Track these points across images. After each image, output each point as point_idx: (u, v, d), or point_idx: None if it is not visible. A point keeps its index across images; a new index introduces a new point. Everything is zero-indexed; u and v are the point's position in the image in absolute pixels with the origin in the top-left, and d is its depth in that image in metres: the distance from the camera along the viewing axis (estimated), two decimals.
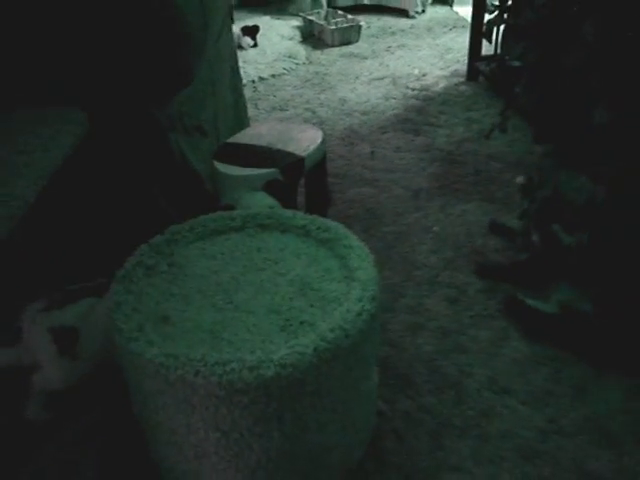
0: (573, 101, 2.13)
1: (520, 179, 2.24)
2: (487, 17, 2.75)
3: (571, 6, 2.13)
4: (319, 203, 2.34)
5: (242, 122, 2.68)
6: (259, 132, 2.30)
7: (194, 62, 1.92)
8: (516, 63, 2.81)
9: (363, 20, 5.04)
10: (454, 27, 5.10)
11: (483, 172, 2.92)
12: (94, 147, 1.50)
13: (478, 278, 2.22)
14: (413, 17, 5.42)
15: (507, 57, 3.16)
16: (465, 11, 5.10)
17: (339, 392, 1.36)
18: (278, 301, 1.42)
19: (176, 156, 1.93)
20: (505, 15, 2.66)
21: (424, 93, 3.83)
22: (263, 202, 1.91)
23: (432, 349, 1.94)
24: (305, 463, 1.43)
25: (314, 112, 3.65)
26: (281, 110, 3.70)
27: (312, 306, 1.40)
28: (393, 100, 3.75)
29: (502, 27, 2.80)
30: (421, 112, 3.59)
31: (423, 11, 5.54)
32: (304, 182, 2.30)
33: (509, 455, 1.62)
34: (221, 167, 2.06)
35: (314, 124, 3.38)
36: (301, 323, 1.35)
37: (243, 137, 2.27)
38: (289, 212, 1.70)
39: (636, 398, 1.76)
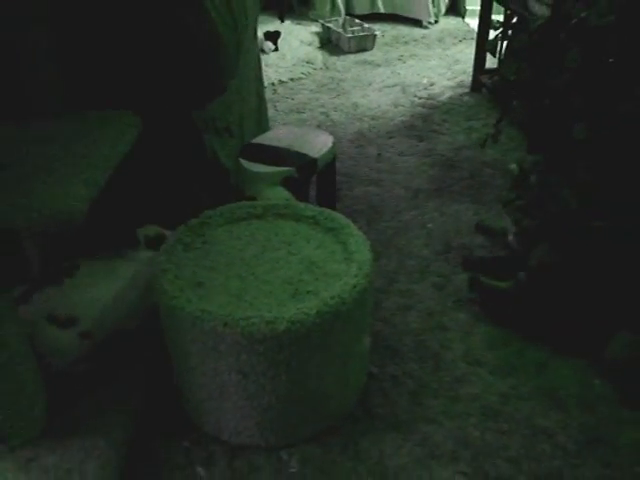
0: (558, 117, 2.43)
1: (513, 166, 2.54)
2: (493, 33, 3.04)
3: (558, 34, 2.42)
4: (328, 198, 2.69)
5: (263, 124, 3.02)
6: (279, 135, 2.65)
7: (227, 76, 2.27)
8: (513, 78, 3.11)
9: (378, 29, 5.36)
10: (464, 39, 5.39)
11: (477, 177, 3.24)
12: (146, 143, 1.85)
13: (463, 270, 2.54)
14: (426, 27, 5.70)
15: (506, 72, 3.47)
16: (476, 23, 5.37)
17: (337, 348, 1.71)
18: (290, 275, 1.77)
19: (208, 153, 2.28)
20: (509, 32, 2.96)
21: (430, 102, 4.15)
22: (280, 195, 2.27)
23: (418, 326, 2.28)
24: (307, 407, 1.77)
25: (328, 115, 3.98)
26: (298, 112, 4.04)
27: (317, 280, 1.74)
28: (401, 107, 4.08)
29: (505, 43, 3.08)
30: (426, 119, 3.91)
31: (436, 21, 5.82)
32: (316, 179, 2.64)
33: (475, 413, 1.95)
34: (246, 164, 2.42)
35: (327, 127, 3.73)
36: (308, 292, 1.70)
37: (265, 139, 2.62)
38: (302, 204, 2.05)
39: (583, 373, 2.08)
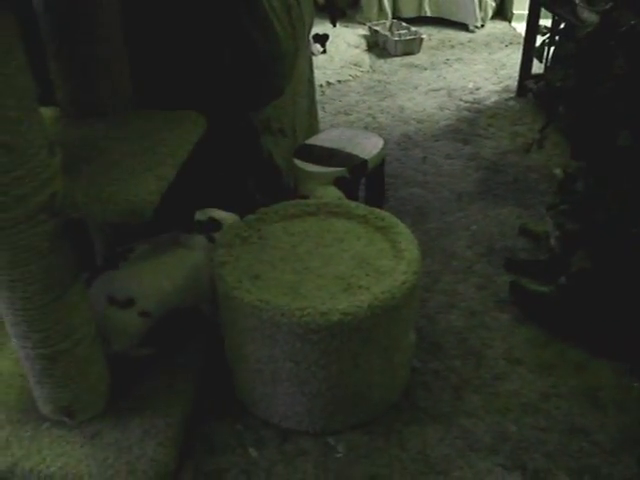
0: (603, 124, 2.47)
1: (558, 171, 2.60)
2: (540, 38, 3.08)
3: (607, 42, 2.46)
4: (376, 198, 2.78)
5: (314, 126, 3.13)
6: (331, 137, 2.75)
7: (285, 80, 2.39)
8: (560, 85, 3.15)
9: (425, 32, 5.43)
10: (510, 43, 5.41)
11: (521, 181, 3.30)
12: (207, 142, 1.97)
13: (505, 271, 2.61)
14: (472, 31, 5.74)
15: (552, 79, 3.50)
16: (522, 28, 5.38)
17: (384, 341, 1.80)
18: (342, 270, 1.86)
19: (264, 153, 2.40)
20: (556, 38, 3.00)
21: (476, 106, 4.21)
22: (332, 194, 2.37)
23: (461, 324, 2.35)
24: (354, 396, 1.87)
25: (375, 118, 4.07)
26: (345, 114, 4.14)
27: (368, 275, 1.84)
28: (447, 111, 4.15)
29: (552, 49, 3.11)
30: (471, 123, 3.97)
31: (482, 26, 5.85)
32: (365, 180, 2.74)
33: (514, 409, 2.03)
34: (300, 164, 2.53)
35: (374, 129, 3.82)
36: (359, 287, 1.79)
37: (317, 140, 2.73)
38: (353, 203, 2.15)
39: (623, 376, 2.13)
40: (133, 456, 1.82)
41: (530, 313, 2.38)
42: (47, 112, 1.94)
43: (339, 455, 1.87)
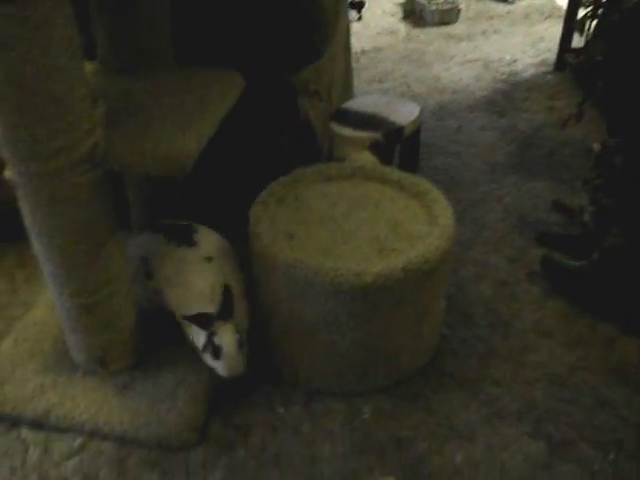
0: None
1: (595, 145, 2.56)
2: (583, 11, 3.01)
3: None
4: (410, 166, 2.76)
5: (349, 91, 3.11)
6: (367, 102, 2.74)
7: (326, 43, 2.37)
8: (600, 59, 3.08)
9: (462, 2, 5.33)
10: (550, 16, 5.29)
11: (556, 156, 3.25)
12: (246, 101, 1.97)
13: (537, 245, 2.59)
14: (512, 3, 5.61)
15: (593, 52, 3.43)
16: (564, 0, 5.27)
17: (416, 305, 1.81)
18: (376, 234, 1.87)
19: (301, 114, 2.40)
20: (599, 10, 2.92)
21: (512, 78, 4.14)
22: (367, 159, 2.36)
23: (491, 294, 2.35)
24: (382, 358, 1.89)
25: (409, 86, 4.03)
26: (380, 82, 4.10)
27: (401, 239, 1.84)
28: (483, 82, 4.09)
29: (594, 22, 3.04)
30: (507, 96, 3.91)
31: None
32: (399, 147, 2.72)
33: (542, 380, 2.03)
34: (336, 127, 2.52)
35: (409, 98, 3.78)
36: (393, 250, 1.79)
37: (354, 104, 2.72)
38: (389, 168, 2.14)
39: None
40: (163, 408, 1.86)
41: (561, 287, 2.37)
42: (89, 66, 1.95)
43: (365, 416, 1.90)
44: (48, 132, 1.50)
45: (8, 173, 1.87)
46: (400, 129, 2.54)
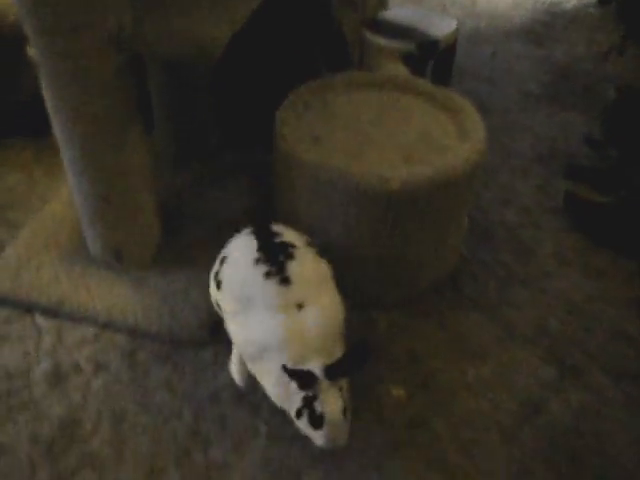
0: None
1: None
2: None
3: None
4: (442, 82, 2.67)
5: (384, 3, 2.99)
6: (403, 13, 2.63)
7: None
8: None
9: None
10: None
11: (592, 90, 3.14)
12: (283, 11, 1.89)
13: (565, 177, 2.52)
14: None
15: None
16: None
17: (438, 219, 1.76)
18: (404, 143, 1.81)
19: (335, 22, 2.30)
20: None
21: (553, 9, 3.98)
22: (399, 69, 2.28)
23: (515, 220, 2.30)
24: (401, 271, 1.85)
25: (445, 8, 3.88)
26: (414, 3, 3.95)
27: (430, 150, 1.78)
28: (522, 10, 3.93)
29: None
30: (546, 26, 3.76)
31: None
32: (433, 62, 2.62)
33: (559, 307, 2.00)
34: (369, 36, 2.42)
35: None
36: (420, 160, 1.74)
37: (389, 15, 2.61)
38: (421, 80, 2.06)
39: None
40: (177, 303, 1.86)
41: (584, 223, 2.31)
42: None
43: (380, 329, 1.88)
44: (67, 4, 1.44)
45: (31, 50, 1.81)
46: (435, 42, 2.44)
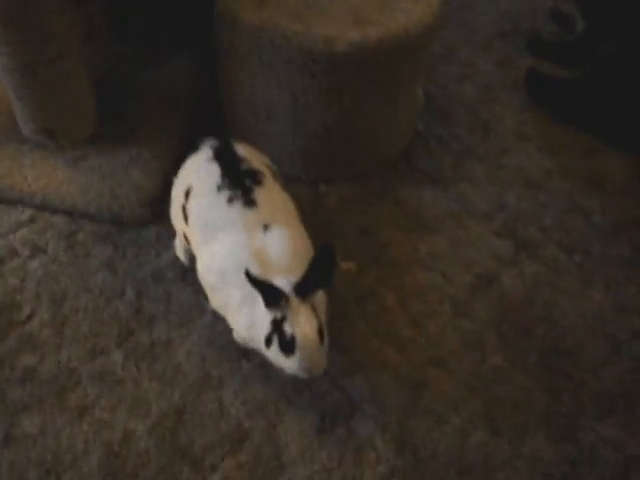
0: None
1: None
2: None
3: None
4: None
5: None
6: None
7: None
8: None
9: None
10: None
11: None
12: None
13: (528, 50, 2.41)
14: None
15: None
16: None
17: (390, 87, 1.66)
18: (355, 4, 1.67)
19: None
20: None
21: None
22: None
23: (473, 96, 2.21)
24: (352, 144, 1.77)
25: None
26: None
27: (382, 12, 1.65)
28: None
29: None
30: None
31: None
32: None
33: (516, 182, 1.95)
34: None
35: None
36: (371, 21, 1.61)
37: None
38: None
39: (633, 165, 2.05)
40: (116, 182, 1.76)
41: (546, 99, 2.22)
42: None
43: (331, 204, 1.81)
44: None
45: None
46: None
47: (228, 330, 1.41)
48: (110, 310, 1.56)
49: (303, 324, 1.19)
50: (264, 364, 1.44)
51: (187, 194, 1.40)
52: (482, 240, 1.77)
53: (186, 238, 1.44)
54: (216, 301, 1.37)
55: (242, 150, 1.42)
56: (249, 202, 1.32)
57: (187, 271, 1.60)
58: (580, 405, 1.45)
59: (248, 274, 1.16)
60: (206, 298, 1.42)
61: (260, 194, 1.34)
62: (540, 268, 1.72)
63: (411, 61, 1.64)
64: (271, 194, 1.37)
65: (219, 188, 1.35)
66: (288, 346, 1.20)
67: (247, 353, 1.47)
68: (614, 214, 1.89)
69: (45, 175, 1.78)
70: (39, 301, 1.57)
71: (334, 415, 1.40)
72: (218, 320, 1.48)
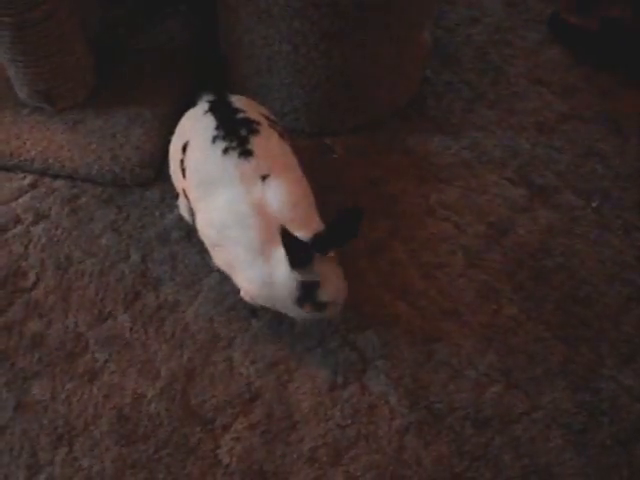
0: None
1: None
2: None
3: None
4: None
5: None
6: None
7: None
8: None
9: None
10: None
11: None
12: None
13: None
14: None
15: None
16: None
17: (395, 29, 1.59)
18: None
19: None
20: None
21: None
22: None
23: (482, 39, 2.12)
24: (357, 93, 1.71)
25: None
26: None
27: None
28: None
29: None
30: None
31: None
32: None
33: (530, 127, 1.87)
34: None
35: None
36: None
37: None
38: None
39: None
40: (116, 143, 1.72)
41: (564, 38, 2.12)
42: None
43: (336, 156, 1.76)
44: None
45: None
46: None
47: (236, 290, 1.38)
48: (116, 273, 1.53)
49: (335, 282, 1.19)
50: (273, 322, 1.42)
51: (184, 149, 1.35)
52: (495, 188, 1.72)
53: (186, 196, 1.40)
54: (219, 259, 1.33)
55: (238, 102, 1.37)
56: (245, 152, 1.27)
57: (192, 231, 1.56)
58: (599, 354, 1.41)
59: (284, 232, 1.10)
60: (211, 257, 1.38)
61: (256, 144, 1.28)
62: (556, 215, 1.67)
63: (416, 3, 1.56)
64: (268, 143, 1.31)
65: (214, 139, 1.29)
66: (321, 306, 1.20)
67: (256, 312, 1.44)
68: (631, 157, 1.82)
69: (44, 140, 1.74)
70: (44, 267, 1.55)
71: (346, 371, 1.37)
72: (225, 280, 1.44)
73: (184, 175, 1.36)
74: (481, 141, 1.81)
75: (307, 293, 1.18)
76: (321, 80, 1.62)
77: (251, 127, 1.31)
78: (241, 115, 1.33)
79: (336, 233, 1.16)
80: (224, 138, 1.28)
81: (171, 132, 1.49)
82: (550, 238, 1.61)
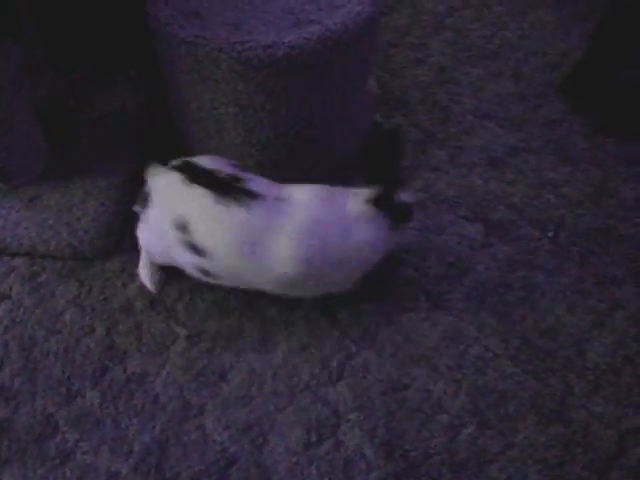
0: None
1: None
2: None
3: None
4: None
5: None
6: None
7: None
8: None
9: None
10: None
11: None
12: None
13: (480, 25, 2.38)
14: None
15: None
16: None
17: (339, 83, 1.62)
18: (292, 5, 1.64)
19: None
20: None
21: None
22: None
23: (428, 80, 2.17)
24: (307, 146, 1.72)
25: None
26: None
27: (320, 9, 1.61)
28: None
29: None
30: None
31: None
32: None
33: (481, 163, 1.91)
34: None
35: None
36: (310, 21, 1.57)
37: None
38: None
39: (596, 134, 2.01)
40: (74, 217, 1.72)
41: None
42: None
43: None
44: None
45: None
46: None
47: (204, 354, 1.38)
48: (81, 349, 1.52)
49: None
50: (244, 384, 1.41)
51: (184, 227, 1.33)
52: (452, 227, 1.74)
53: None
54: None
55: (206, 162, 1.38)
56: (249, 192, 1.32)
57: (155, 299, 1.57)
58: (567, 384, 1.43)
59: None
60: (176, 324, 1.38)
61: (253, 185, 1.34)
62: (513, 248, 1.70)
63: (356, 54, 1.60)
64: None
65: (222, 202, 1.30)
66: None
67: (224, 375, 1.44)
68: (582, 184, 1.86)
69: (0, 218, 1.73)
70: (8, 350, 1.53)
71: (320, 428, 1.37)
72: (192, 345, 1.44)
73: (198, 252, 1.35)
74: (434, 182, 1.84)
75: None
76: (271, 138, 1.64)
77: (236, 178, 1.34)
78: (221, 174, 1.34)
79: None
80: (226, 195, 1.30)
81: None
82: (509, 272, 1.64)
